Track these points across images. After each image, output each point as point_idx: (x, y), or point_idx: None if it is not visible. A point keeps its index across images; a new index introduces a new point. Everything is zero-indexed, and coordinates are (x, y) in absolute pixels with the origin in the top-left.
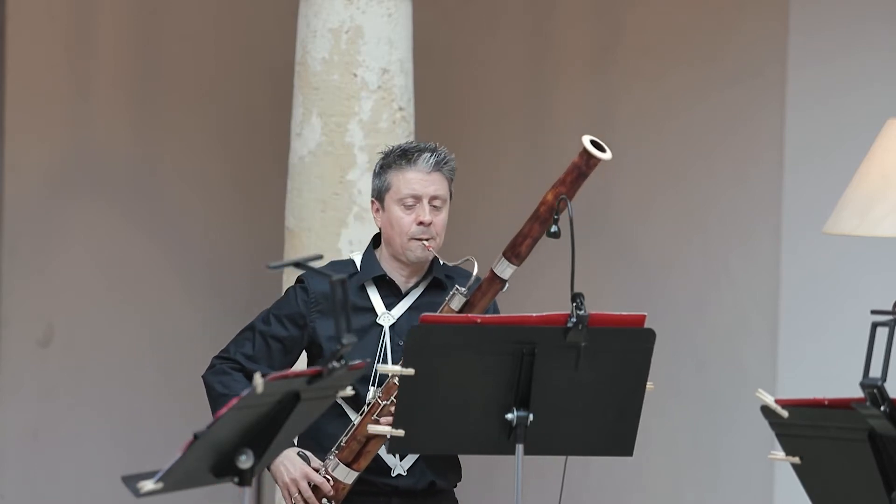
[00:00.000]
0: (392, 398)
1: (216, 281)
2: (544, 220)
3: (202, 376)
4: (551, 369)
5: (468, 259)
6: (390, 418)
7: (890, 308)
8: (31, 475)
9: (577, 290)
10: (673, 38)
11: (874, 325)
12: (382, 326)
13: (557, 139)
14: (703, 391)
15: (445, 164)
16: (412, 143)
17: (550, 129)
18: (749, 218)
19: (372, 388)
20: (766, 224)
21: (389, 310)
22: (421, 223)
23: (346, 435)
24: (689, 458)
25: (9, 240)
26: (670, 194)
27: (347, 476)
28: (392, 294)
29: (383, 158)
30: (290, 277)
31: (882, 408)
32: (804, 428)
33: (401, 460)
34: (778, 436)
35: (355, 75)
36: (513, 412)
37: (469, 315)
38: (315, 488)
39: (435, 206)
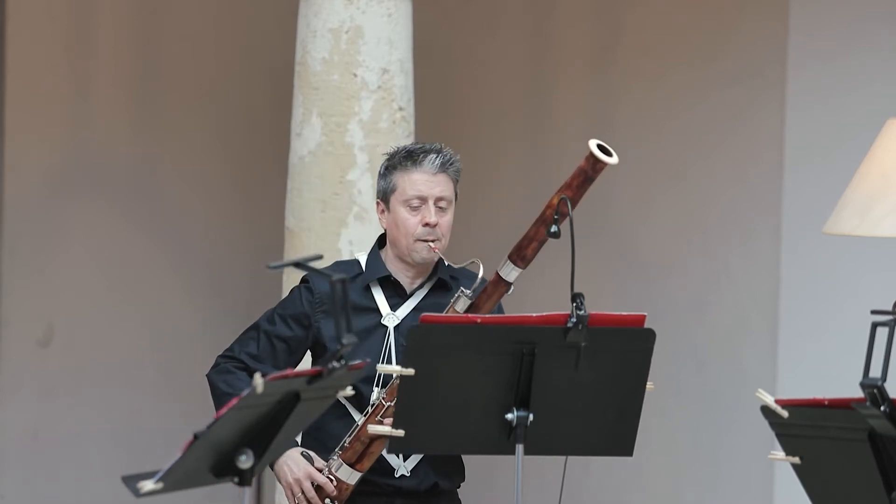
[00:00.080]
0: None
1: (216, 281)
2: (550, 224)
3: (206, 375)
4: (551, 369)
5: (473, 261)
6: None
7: (890, 308)
8: (31, 475)
9: (577, 290)
10: (673, 38)
11: (874, 325)
12: (387, 327)
13: (557, 139)
14: (703, 391)
15: (451, 165)
16: (417, 144)
17: (550, 129)
18: (749, 218)
19: (376, 389)
20: (766, 224)
21: (394, 310)
22: (427, 224)
23: (349, 435)
24: (689, 458)
25: (9, 240)
26: (670, 194)
27: (351, 476)
28: (397, 295)
29: (388, 160)
30: (290, 277)
31: (882, 408)
32: (804, 428)
33: (404, 461)
34: (778, 436)
35: (355, 75)
36: (513, 412)
37: (469, 315)
38: (318, 488)
39: (440, 208)
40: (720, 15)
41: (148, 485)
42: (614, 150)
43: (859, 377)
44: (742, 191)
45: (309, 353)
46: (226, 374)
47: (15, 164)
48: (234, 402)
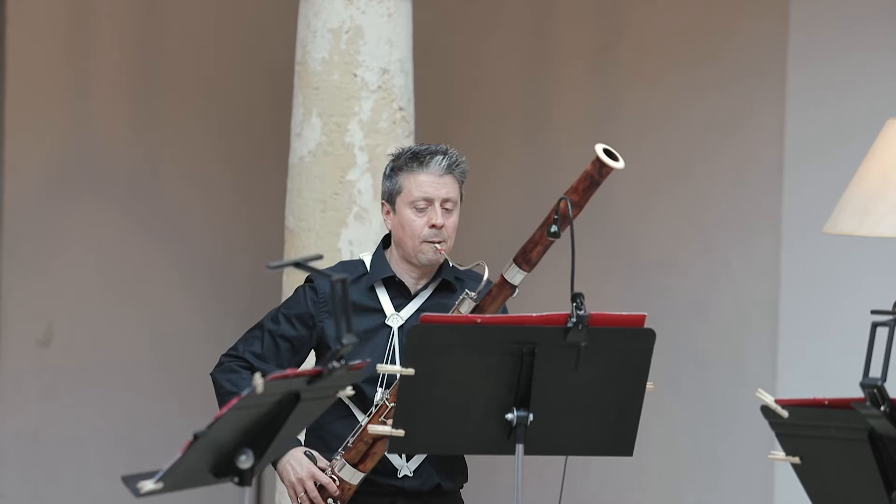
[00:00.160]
0: None
1: (216, 281)
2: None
3: (210, 374)
4: (551, 369)
5: (479, 263)
6: None
7: (890, 308)
8: (31, 475)
9: (577, 290)
10: (673, 38)
11: (874, 325)
12: (391, 327)
13: (557, 139)
14: (703, 391)
15: (457, 166)
16: (423, 145)
17: (550, 129)
18: (749, 218)
19: (380, 390)
20: (766, 224)
21: (398, 311)
22: (433, 226)
23: (352, 436)
24: (689, 458)
25: (9, 240)
26: (670, 194)
27: (353, 477)
28: (401, 295)
29: (394, 161)
30: (290, 277)
31: (882, 408)
32: (804, 428)
33: (407, 461)
34: (778, 436)
35: (355, 75)
36: (513, 412)
37: (469, 315)
38: (321, 488)
39: (447, 209)
40: (720, 15)
41: (148, 485)
42: (612, 149)
43: (859, 377)
44: (742, 191)
45: (313, 352)
46: (230, 374)
47: (15, 164)
48: (233, 402)
